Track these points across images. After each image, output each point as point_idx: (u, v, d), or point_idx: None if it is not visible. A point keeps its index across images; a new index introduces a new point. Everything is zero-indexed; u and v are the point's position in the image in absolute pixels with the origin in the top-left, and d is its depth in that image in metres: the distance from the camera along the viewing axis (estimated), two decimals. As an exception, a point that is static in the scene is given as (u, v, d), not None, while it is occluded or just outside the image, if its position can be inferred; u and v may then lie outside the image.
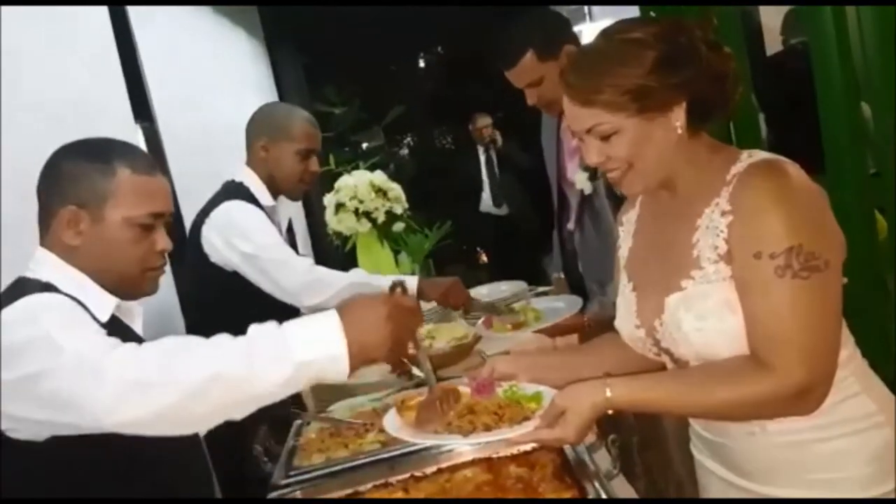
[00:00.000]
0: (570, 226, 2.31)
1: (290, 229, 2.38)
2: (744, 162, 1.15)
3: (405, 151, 7.15)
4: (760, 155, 1.16)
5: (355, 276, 2.15)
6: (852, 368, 1.16)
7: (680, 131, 1.14)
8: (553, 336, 2.29)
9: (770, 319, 1.06)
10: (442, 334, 2.74)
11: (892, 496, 1.13)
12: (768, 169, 1.12)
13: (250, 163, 2.21)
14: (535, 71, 2.04)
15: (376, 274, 3.05)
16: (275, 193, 2.21)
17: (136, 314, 1.49)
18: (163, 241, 1.40)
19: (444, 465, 1.52)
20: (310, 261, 2.13)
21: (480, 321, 2.23)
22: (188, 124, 3.04)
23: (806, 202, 1.09)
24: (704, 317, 1.13)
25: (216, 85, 3.59)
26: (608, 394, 1.11)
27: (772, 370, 1.05)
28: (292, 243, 2.36)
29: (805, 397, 1.06)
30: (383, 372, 2.52)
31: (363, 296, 1.17)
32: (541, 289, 3.07)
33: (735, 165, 1.15)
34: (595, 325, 2.10)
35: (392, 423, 1.26)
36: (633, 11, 2.98)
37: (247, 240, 2.08)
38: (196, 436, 1.48)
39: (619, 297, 1.33)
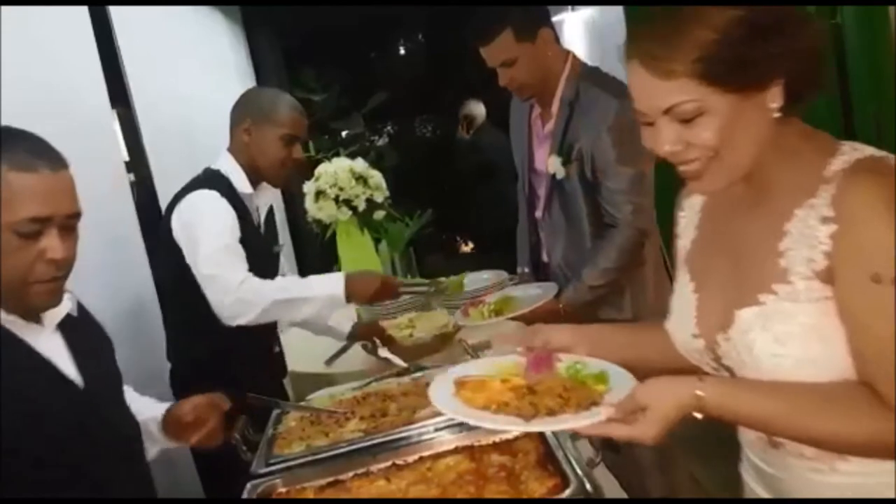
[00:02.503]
0: (539, 213, 2.30)
1: (270, 216, 2.34)
2: (848, 156, 0.96)
3: (385, 140, 7.10)
4: (866, 149, 0.98)
5: (279, 292, 2.03)
6: None
7: (777, 114, 0.96)
8: (529, 323, 2.29)
9: (890, 354, 0.90)
10: (423, 323, 2.74)
11: None
12: (883, 169, 0.93)
13: (232, 148, 2.17)
14: (510, 50, 2.04)
15: (357, 263, 3.06)
16: (255, 180, 2.18)
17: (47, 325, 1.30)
18: (55, 250, 1.20)
19: (425, 453, 1.51)
20: (243, 276, 2.02)
21: (458, 311, 2.23)
22: (166, 109, 2.98)
23: None
24: (785, 342, 0.97)
25: (194, 69, 3.53)
26: (698, 393, 0.95)
27: (892, 410, 0.90)
28: (271, 231, 2.33)
29: None
30: (364, 361, 2.52)
31: None
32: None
33: (835, 159, 0.96)
34: (571, 311, 2.11)
35: (444, 397, 1.10)
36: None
37: (193, 244, 2.05)
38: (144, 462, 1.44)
39: (674, 297, 1.18)
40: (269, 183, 2.22)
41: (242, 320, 2.00)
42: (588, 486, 1.20)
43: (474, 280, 2.93)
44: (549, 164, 2.15)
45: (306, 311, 2.05)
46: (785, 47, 0.93)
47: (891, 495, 0.98)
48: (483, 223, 5.98)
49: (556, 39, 2.18)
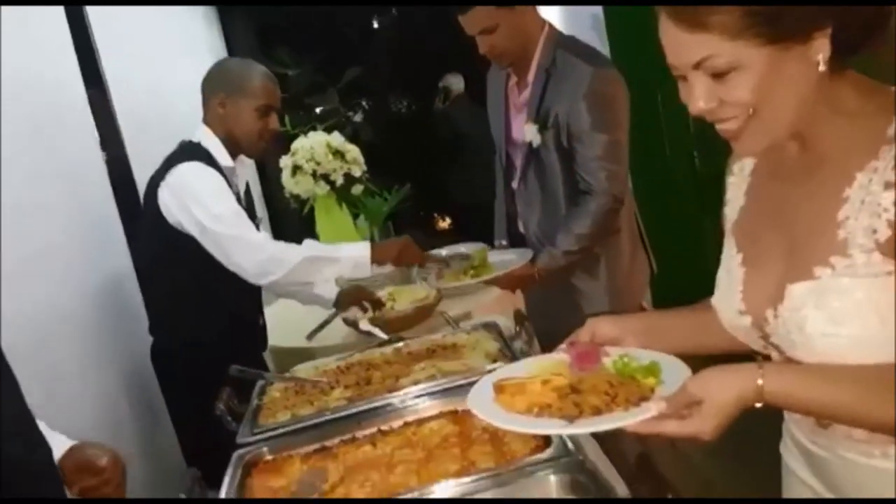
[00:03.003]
0: (515, 184, 2.31)
1: (247, 192, 2.33)
2: None
3: (360, 115, 7.05)
4: None
5: (308, 249, 2.09)
6: None
7: (822, 67, 0.87)
8: (504, 288, 2.30)
9: None
10: (402, 296, 2.75)
11: None
12: None
13: (208, 120, 2.15)
14: (490, 17, 2.03)
15: (335, 238, 3.05)
16: (233, 152, 2.16)
17: None
18: None
19: (410, 418, 1.54)
20: (264, 235, 2.07)
21: (433, 273, 2.26)
22: (139, 88, 2.94)
23: None
24: (840, 321, 0.89)
25: (166, 47, 3.48)
26: (760, 382, 0.87)
27: None
28: (249, 206, 2.32)
29: None
30: (345, 335, 2.53)
31: None
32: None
33: None
34: (546, 277, 2.13)
35: (482, 402, 1.02)
36: None
37: (202, 207, 2.03)
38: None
39: (721, 271, 1.09)
40: (246, 154, 2.21)
41: (272, 278, 2.04)
42: (570, 446, 1.22)
43: (451, 253, 2.95)
44: (526, 131, 2.16)
45: (332, 271, 2.10)
46: None
47: None
48: (459, 197, 5.98)
49: (534, 8, 2.18)
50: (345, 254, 2.10)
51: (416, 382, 1.64)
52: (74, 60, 2.51)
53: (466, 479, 1.21)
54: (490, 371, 1.49)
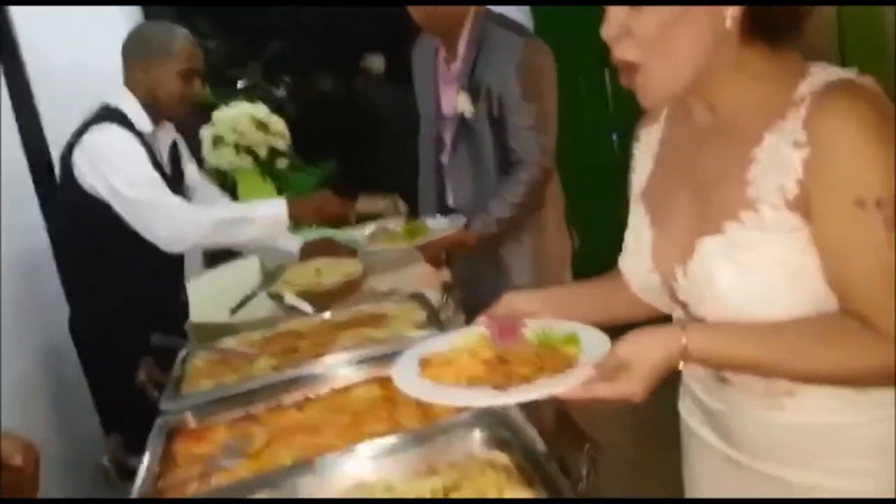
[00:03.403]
0: (445, 158, 2.34)
1: (175, 154, 2.27)
2: (817, 77, 0.91)
3: (284, 91, 6.93)
4: (837, 70, 0.91)
5: (221, 211, 2.06)
6: None
7: (729, 23, 0.89)
8: (437, 251, 2.31)
9: (883, 281, 0.86)
10: (330, 271, 2.74)
11: None
12: (856, 90, 0.88)
13: (128, 84, 2.10)
14: None
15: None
16: (155, 116, 2.11)
17: None
18: None
19: (337, 386, 1.55)
20: (178, 200, 2.03)
21: (365, 236, 2.25)
22: (52, 55, 2.82)
23: None
24: (749, 274, 0.92)
25: (81, 13, 3.34)
26: (684, 342, 0.90)
27: (887, 336, 0.87)
28: (178, 170, 2.27)
29: None
30: (269, 310, 2.51)
31: None
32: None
33: (805, 81, 0.91)
34: (478, 243, 2.17)
35: (406, 378, 1.02)
36: None
37: (115, 171, 1.99)
38: None
39: (628, 233, 1.12)
40: (168, 118, 2.17)
41: (184, 244, 2.01)
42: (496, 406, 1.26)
43: (378, 229, 2.96)
44: (458, 101, 2.19)
45: (248, 232, 2.05)
46: None
47: (860, 434, 0.96)
48: (385, 175, 5.98)
49: None
50: (260, 213, 2.07)
51: (343, 350, 1.65)
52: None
53: (391, 438, 1.24)
54: (415, 339, 1.54)
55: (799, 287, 0.91)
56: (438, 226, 2.19)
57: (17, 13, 2.57)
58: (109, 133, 2.01)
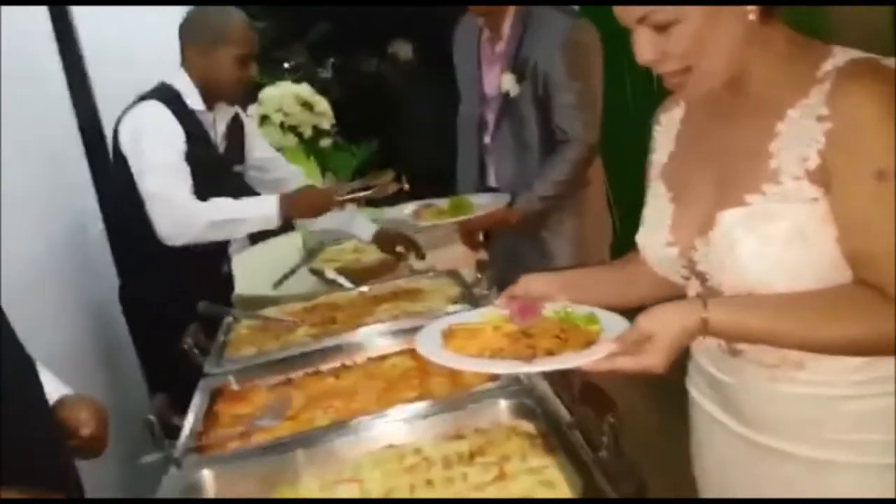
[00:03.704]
0: (488, 139, 2.34)
1: (235, 134, 2.31)
2: (840, 57, 0.95)
3: (329, 72, 7.00)
4: (858, 52, 0.96)
5: (215, 212, 2.03)
6: None
7: (752, 17, 0.94)
8: (479, 228, 2.33)
9: None
10: (369, 249, 2.81)
11: None
12: (877, 67, 0.92)
13: (186, 66, 2.14)
14: None
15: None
16: (210, 99, 2.16)
17: None
18: None
19: (372, 354, 1.61)
20: (185, 195, 2.03)
21: (410, 212, 2.25)
22: (107, 29, 2.91)
23: None
24: (769, 242, 0.95)
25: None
26: (704, 315, 0.93)
27: None
28: (237, 149, 2.31)
29: None
30: (311, 284, 2.59)
31: None
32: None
33: (829, 60, 0.95)
34: (521, 220, 2.19)
35: (431, 346, 1.06)
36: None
37: (141, 153, 2.05)
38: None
39: (647, 210, 1.15)
40: (225, 101, 2.22)
41: (180, 241, 2.04)
42: (523, 378, 1.30)
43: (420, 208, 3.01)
44: (504, 81, 2.19)
45: (242, 230, 2.09)
46: None
47: (857, 407, 0.99)
48: (424, 158, 6.05)
49: None
50: (251, 213, 2.07)
51: (379, 322, 1.71)
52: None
53: (422, 404, 1.29)
54: (449, 312, 1.58)
55: (815, 258, 0.94)
56: (483, 202, 2.20)
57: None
58: (151, 110, 2.07)
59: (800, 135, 0.94)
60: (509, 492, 1.04)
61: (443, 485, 1.08)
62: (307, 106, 3.19)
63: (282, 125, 3.16)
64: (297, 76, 4.67)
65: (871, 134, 0.89)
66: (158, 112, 2.08)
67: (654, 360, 0.93)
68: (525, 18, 2.17)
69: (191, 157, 2.09)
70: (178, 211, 2.02)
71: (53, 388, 1.36)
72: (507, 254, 2.40)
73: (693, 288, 1.07)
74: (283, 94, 3.16)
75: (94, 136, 2.59)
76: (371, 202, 3.99)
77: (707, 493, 1.21)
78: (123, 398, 2.33)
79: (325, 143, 3.31)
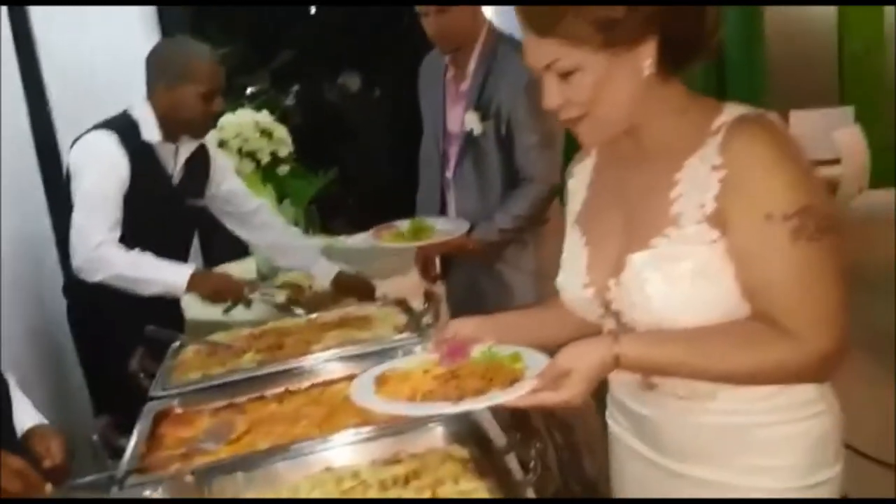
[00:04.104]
0: (449, 174, 2.37)
1: (198, 167, 2.32)
2: (731, 111, 1.04)
3: (292, 99, 7.05)
4: (745, 107, 1.05)
5: (127, 267, 2.05)
6: None
7: (648, 72, 1.02)
8: (438, 253, 2.37)
9: (789, 285, 0.98)
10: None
11: (822, 486, 1.09)
12: (764, 123, 1.02)
13: (151, 99, 2.16)
14: None
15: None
16: (174, 132, 2.18)
17: None
18: None
19: (317, 381, 1.64)
20: (105, 236, 2.04)
21: (370, 233, 2.26)
22: (68, 54, 2.93)
23: (804, 159, 1.02)
24: (675, 281, 1.03)
25: (97, 14, 3.44)
26: (616, 350, 1.00)
27: (794, 337, 0.98)
28: (196, 182, 2.32)
29: (827, 363, 1.01)
30: (262, 311, 2.60)
31: None
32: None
33: (720, 115, 1.04)
34: (480, 248, 2.22)
35: (366, 394, 1.12)
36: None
37: (78, 182, 2.08)
38: None
39: (565, 254, 1.22)
40: (191, 136, 2.23)
41: (88, 277, 2.05)
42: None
43: (368, 239, 3.06)
44: (467, 120, 2.23)
45: (147, 291, 2.08)
46: (653, 10, 0.98)
47: (766, 434, 1.07)
48: (379, 186, 6.14)
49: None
50: (161, 278, 2.07)
51: (326, 348, 1.75)
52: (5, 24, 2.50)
53: (363, 430, 1.33)
54: (395, 339, 1.63)
55: (717, 294, 1.02)
56: (443, 227, 2.22)
57: (35, 14, 2.67)
58: (97, 141, 2.09)
59: (697, 182, 1.02)
60: (441, 514, 1.08)
61: (377, 507, 1.12)
62: (266, 133, 3.23)
63: (239, 151, 3.19)
64: (258, 102, 4.71)
65: (760, 180, 0.98)
66: (105, 143, 2.09)
67: (572, 393, 0.99)
68: (490, 59, 2.24)
69: (136, 190, 2.11)
70: (91, 251, 2.04)
71: (29, 417, 1.39)
72: (466, 287, 2.43)
73: (609, 326, 1.13)
74: (242, 121, 3.19)
75: (51, 162, 2.60)
76: (328, 230, 4.03)
77: None
78: (69, 419, 2.32)
79: (283, 170, 3.34)
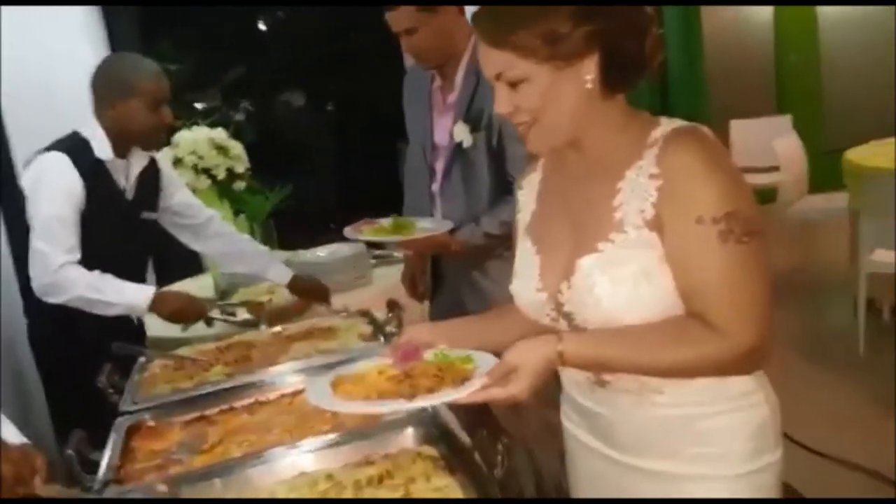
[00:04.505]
0: (436, 186, 2.31)
1: (149, 180, 2.33)
2: (666, 126, 1.13)
3: (243, 115, 7.04)
4: (679, 121, 1.15)
5: (87, 288, 2.07)
6: None
7: (590, 86, 1.10)
8: (419, 250, 2.32)
9: (716, 284, 1.06)
10: (281, 290, 2.87)
11: (764, 471, 1.17)
12: (695, 134, 1.11)
13: (98, 114, 2.17)
14: (410, 19, 2.07)
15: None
16: (124, 147, 2.19)
17: None
18: None
19: (286, 391, 1.68)
20: (62, 259, 2.06)
21: (351, 227, 2.20)
22: (19, 75, 2.92)
23: (733, 167, 1.11)
24: (620, 282, 1.10)
25: (47, 34, 3.43)
26: (560, 348, 1.09)
27: (722, 333, 1.06)
28: (149, 195, 2.34)
29: (752, 356, 1.09)
30: (220, 326, 2.61)
31: None
32: (380, 252, 3.25)
33: (656, 129, 1.13)
34: (463, 250, 2.16)
35: (322, 395, 1.17)
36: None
37: (32, 205, 2.10)
38: None
39: (517, 263, 1.29)
40: (141, 149, 2.24)
41: (50, 300, 2.08)
42: (428, 409, 1.40)
43: (334, 252, 3.11)
44: (456, 132, 2.18)
45: (108, 312, 2.10)
46: (601, 28, 1.06)
47: (708, 424, 1.15)
48: (346, 197, 6.17)
49: (462, 13, 2.22)
50: (123, 300, 2.10)
51: (293, 360, 1.79)
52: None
53: (333, 434, 1.38)
54: (360, 349, 1.68)
55: (657, 294, 1.10)
56: (425, 225, 2.18)
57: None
58: (50, 162, 2.10)
59: (636, 191, 1.11)
60: (414, 509, 1.14)
61: (353, 505, 1.17)
62: (222, 150, 3.26)
63: (195, 167, 3.21)
64: (211, 119, 4.71)
65: (691, 187, 1.07)
66: (58, 164, 2.10)
67: (519, 388, 1.07)
68: (478, 69, 2.18)
69: (92, 209, 2.12)
70: (52, 275, 2.05)
71: (10, 434, 1.40)
72: (450, 305, 2.30)
73: (562, 327, 1.19)
74: (197, 138, 3.21)
75: (8, 181, 2.58)
76: (285, 244, 4.05)
77: None
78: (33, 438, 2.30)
79: (239, 185, 3.37)
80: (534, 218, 1.30)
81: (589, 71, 1.09)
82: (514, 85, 1.10)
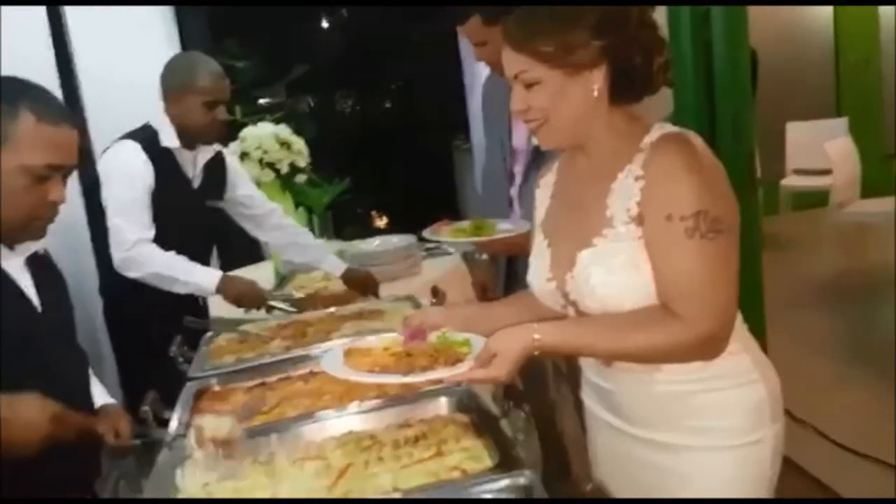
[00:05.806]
0: (514, 191, 2.33)
1: (216, 170, 2.53)
2: (656, 132, 1.24)
3: (306, 111, 7.31)
4: (671, 127, 1.26)
5: (164, 266, 2.24)
6: (735, 329, 1.25)
7: (596, 94, 1.22)
8: (496, 250, 2.37)
9: (680, 275, 1.17)
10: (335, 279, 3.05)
11: (760, 443, 1.28)
12: (678, 140, 1.22)
13: (165, 109, 2.38)
14: (479, 33, 2.16)
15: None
16: (188, 138, 2.39)
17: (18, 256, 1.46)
18: (55, 192, 1.37)
19: (337, 364, 1.85)
20: (137, 235, 2.25)
21: (430, 228, 2.20)
22: (100, 76, 3.16)
23: (710, 172, 1.20)
24: (612, 272, 1.22)
25: (124, 37, 3.68)
26: (536, 336, 1.20)
27: (682, 320, 1.16)
28: (215, 184, 2.54)
29: (710, 344, 1.20)
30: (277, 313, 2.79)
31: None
32: (431, 245, 3.40)
33: (648, 135, 1.24)
34: None
35: (334, 363, 1.34)
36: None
37: (106, 186, 2.31)
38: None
39: (532, 255, 1.41)
40: (203, 143, 2.44)
41: (129, 274, 2.27)
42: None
43: (384, 243, 3.26)
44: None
45: (179, 290, 2.28)
46: (612, 43, 1.19)
47: (707, 399, 1.26)
48: (397, 195, 6.33)
49: None
50: (193, 280, 2.27)
51: (344, 336, 1.96)
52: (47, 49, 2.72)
53: (376, 400, 1.54)
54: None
55: (643, 282, 1.22)
56: (504, 226, 2.19)
57: (73, 27, 2.91)
58: (124, 150, 2.31)
59: (624, 191, 1.24)
60: (445, 464, 1.28)
61: (392, 460, 1.32)
62: (285, 145, 3.46)
63: (260, 161, 3.42)
64: (276, 115, 4.95)
65: (667, 186, 1.19)
66: (131, 152, 2.30)
67: (499, 371, 1.20)
68: None
69: (161, 193, 2.33)
70: (129, 249, 2.25)
71: (99, 395, 1.61)
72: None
73: (571, 313, 1.34)
74: (263, 134, 3.42)
75: (89, 171, 2.82)
76: (340, 235, 4.23)
77: (600, 478, 1.48)
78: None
79: (300, 179, 3.57)
80: (547, 215, 1.43)
81: (597, 80, 1.22)
82: (529, 86, 1.24)
